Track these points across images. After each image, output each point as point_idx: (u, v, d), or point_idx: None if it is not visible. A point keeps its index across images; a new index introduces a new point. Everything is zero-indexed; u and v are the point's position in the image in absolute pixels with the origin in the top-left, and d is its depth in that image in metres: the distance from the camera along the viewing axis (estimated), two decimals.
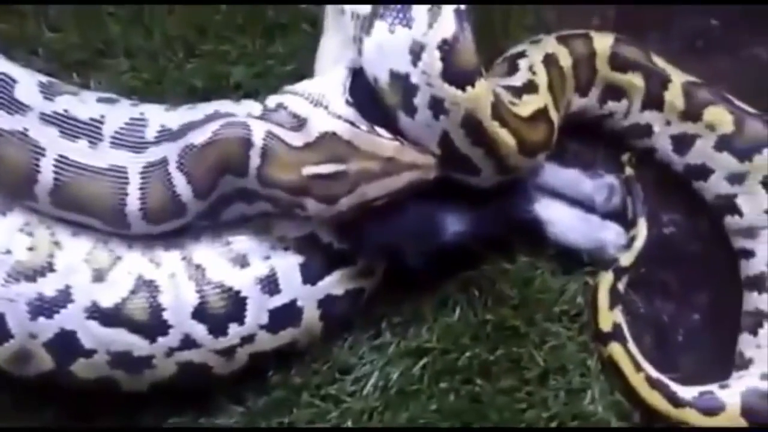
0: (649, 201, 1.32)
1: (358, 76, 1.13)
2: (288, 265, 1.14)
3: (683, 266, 1.34)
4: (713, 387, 1.26)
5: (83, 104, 1.14)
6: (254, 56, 1.32)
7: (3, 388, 1.16)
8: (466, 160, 1.12)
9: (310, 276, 1.15)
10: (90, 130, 1.11)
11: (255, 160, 1.08)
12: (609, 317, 1.26)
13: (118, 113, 1.13)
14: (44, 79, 1.14)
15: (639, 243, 1.28)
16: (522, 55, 1.27)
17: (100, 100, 1.16)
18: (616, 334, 1.25)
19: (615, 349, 1.25)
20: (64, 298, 1.08)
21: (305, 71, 1.22)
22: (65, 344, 1.08)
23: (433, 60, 1.04)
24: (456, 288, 1.25)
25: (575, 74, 1.28)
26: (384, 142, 1.10)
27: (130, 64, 1.30)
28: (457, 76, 1.04)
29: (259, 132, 1.08)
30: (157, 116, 1.14)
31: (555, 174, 1.29)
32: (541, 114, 1.18)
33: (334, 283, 1.16)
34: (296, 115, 1.10)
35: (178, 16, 1.32)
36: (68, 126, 1.10)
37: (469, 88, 1.05)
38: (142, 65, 1.30)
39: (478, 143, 1.10)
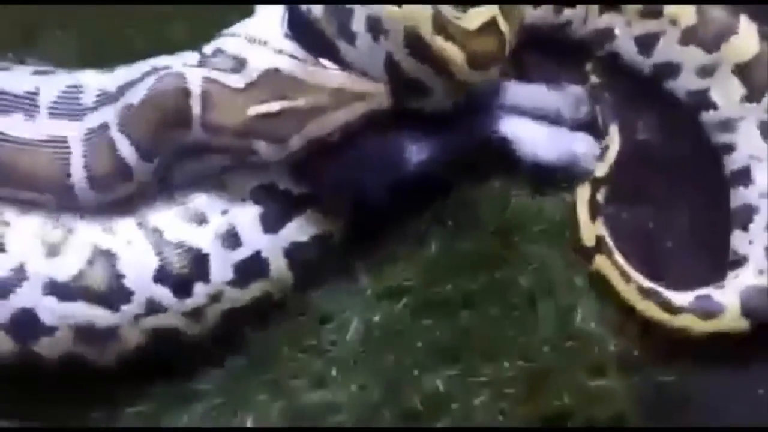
0: (620, 107, 1.27)
1: (294, 11, 1.08)
2: (247, 216, 1.10)
3: (664, 170, 1.30)
4: (709, 290, 1.22)
5: (16, 79, 1.10)
6: (193, 12, 1.28)
7: None
8: (415, 81, 1.08)
9: (270, 225, 1.11)
10: (25, 103, 1.07)
11: (196, 109, 1.04)
12: (591, 231, 1.21)
13: (54, 83, 1.09)
14: None
15: (613, 151, 1.23)
16: None
17: (34, 72, 1.12)
18: (601, 247, 1.21)
19: (601, 262, 1.20)
20: (19, 276, 1.04)
21: (248, 18, 1.17)
22: (25, 324, 1.04)
23: None
24: (429, 220, 1.20)
25: None
26: (330, 73, 1.05)
27: (65, 35, 1.26)
28: None
29: (195, 79, 1.04)
30: (94, 81, 1.10)
31: (518, 91, 1.24)
32: (490, 25, 1.12)
33: (297, 230, 1.12)
34: (235, 56, 1.05)
35: None
36: (2, 101, 1.07)
37: (405, 4, 1.00)
38: (78, 35, 1.26)
39: (424, 60, 1.05)
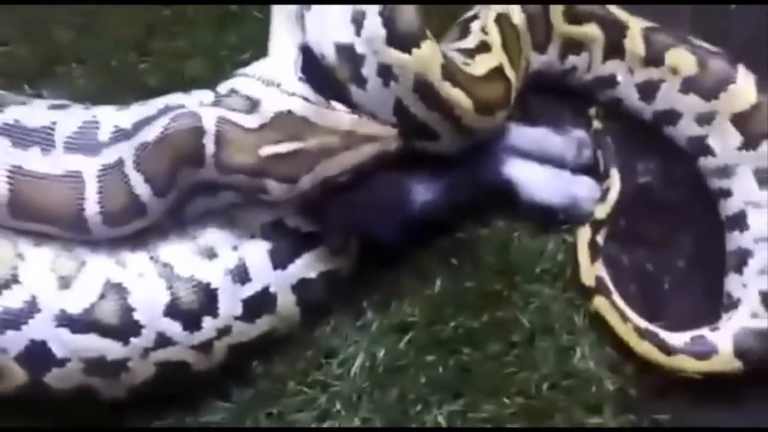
0: (621, 152, 1.30)
1: (308, 55, 1.11)
2: (256, 252, 1.12)
3: (663, 214, 1.32)
4: (704, 331, 1.24)
5: (34, 113, 1.12)
6: (208, 48, 1.31)
7: None
8: (423, 126, 1.10)
9: (279, 261, 1.13)
10: (42, 138, 1.09)
11: (210, 148, 1.06)
12: (591, 271, 1.24)
13: (70, 118, 1.12)
14: None
15: (613, 194, 1.26)
16: (474, 18, 1.25)
17: (51, 107, 1.14)
18: (600, 287, 1.23)
19: (600, 302, 1.23)
20: (31, 308, 1.06)
21: (261, 58, 1.19)
22: (37, 355, 1.06)
23: (375, 26, 1.03)
24: (434, 259, 1.23)
25: (531, 31, 1.26)
26: (341, 116, 1.08)
27: (82, 69, 1.29)
28: (401, 39, 1.03)
29: (210, 119, 1.07)
30: (110, 117, 1.12)
31: (522, 134, 1.27)
32: (497, 72, 1.16)
33: (305, 267, 1.14)
34: (249, 97, 1.08)
35: (126, 16, 1.31)
36: (19, 135, 1.09)
37: (415, 51, 1.03)
38: (94, 70, 1.29)
39: (433, 106, 1.08)
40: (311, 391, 1.18)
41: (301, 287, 1.14)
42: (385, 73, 1.05)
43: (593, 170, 1.29)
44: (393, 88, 1.06)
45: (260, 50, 1.22)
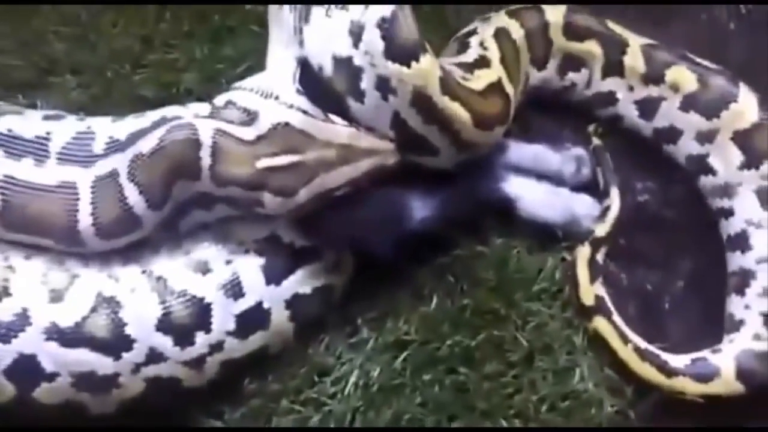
0: (621, 169, 1.29)
1: (306, 67, 1.10)
2: (250, 267, 1.11)
3: (662, 232, 1.31)
4: (705, 353, 1.22)
5: (28, 123, 1.11)
6: (204, 61, 1.30)
7: None
8: (421, 140, 1.09)
9: (273, 276, 1.11)
10: (36, 148, 1.08)
11: (206, 160, 1.05)
12: (590, 291, 1.22)
13: (65, 129, 1.11)
14: None
15: (613, 212, 1.25)
16: (472, 33, 1.25)
17: (45, 117, 1.13)
18: (600, 307, 1.22)
19: (600, 323, 1.21)
20: (22, 321, 1.04)
21: (257, 72, 1.18)
22: (26, 369, 1.04)
23: (373, 39, 1.01)
24: (430, 276, 1.21)
25: (529, 47, 1.26)
26: (339, 129, 1.07)
27: (77, 80, 1.27)
28: (400, 52, 1.02)
29: (206, 131, 1.05)
30: (105, 128, 1.11)
31: (521, 150, 1.26)
32: (495, 87, 1.15)
33: (300, 282, 1.13)
34: (246, 109, 1.07)
35: (122, 28, 1.30)
36: (12, 145, 1.08)
37: (414, 64, 1.02)
38: (89, 81, 1.28)
39: (431, 120, 1.07)
40: (304, 410, 1.16)
41: (295, 303, 1.13)
42: (383, 86, 1.04)
43: (592, 188, 1.27)
44: (391, 101, 1.05)
45: (256, 64, 1.22)
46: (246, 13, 1.31)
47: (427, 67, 1.03)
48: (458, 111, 1.08)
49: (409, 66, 1.02)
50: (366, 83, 1.04)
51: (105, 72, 1.28)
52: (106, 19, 1.31)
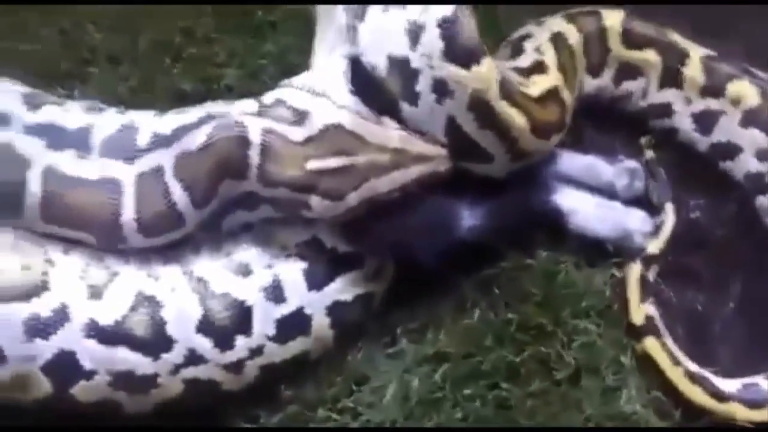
0: (673, 184, 1.25)
1: (356, 66, 1.07)
2: (292, 272, 1.08)
3: (712, 252, 1.27)
4: (758, 378, 1.18)
5: (69, 114, 1.08)
6: (245, 57, 1.28)
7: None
8: (476, 146, 1.06)
9: (315, 282, 1.08)
10: (77, 140, 1.05)
11: (255, 159, 1.02)
12: (641, 310, 1.18)
13: (106, 122, 1.08)
14: (26, 89, 1.09)
15: (667, 229, 1.21)
16: (527, 36, 1.22)
17: (87, 109, 1.10)
18: (650, 327, 1.18)
19: (650, 343, 1.17)
20: (61, 317, 1.01)
21: (299, 70, 1.15)
22: (64, 366, 1.01)
23: (433, 39, 0.98)
24: (474, 287, 1.18)
25: (586, 53, 1.23)
26: (392, 133, 1.04)
27: (116, 71, 1.25)
28: (460, 54, 0.99)
29: (255, 129, 1.02)
30: (148, 123, 1.08)
31: (573, 161, 1.22)
32: (553, 94, 1.12)
33: (341, 289, 1.10)
34: (296, 109, 1.04)
35: (163, 20, 1.28)
36: (55, 136, 1.05)
37: (474, 67, 0.99)
38: (127, 72, 1.26)
39: (488, 126, 1.04)
40: (341, 418, 1.13)
41: (335, 310, 1.10)
42: (440, 88, 1.01)
43: (643, 202, 1.23)
44: (447, 104, 1.02)
45: (299, 61, 1.19)
46: (289, 9, 1.29)
47: (487, 71, 1.00)
48: (517, 117, 1.04)
49: (468, 68, 0.99)
50: (421, 85, 1.01)
51: (144, 63, 1.26)
52: (146, 9, 1.28)
